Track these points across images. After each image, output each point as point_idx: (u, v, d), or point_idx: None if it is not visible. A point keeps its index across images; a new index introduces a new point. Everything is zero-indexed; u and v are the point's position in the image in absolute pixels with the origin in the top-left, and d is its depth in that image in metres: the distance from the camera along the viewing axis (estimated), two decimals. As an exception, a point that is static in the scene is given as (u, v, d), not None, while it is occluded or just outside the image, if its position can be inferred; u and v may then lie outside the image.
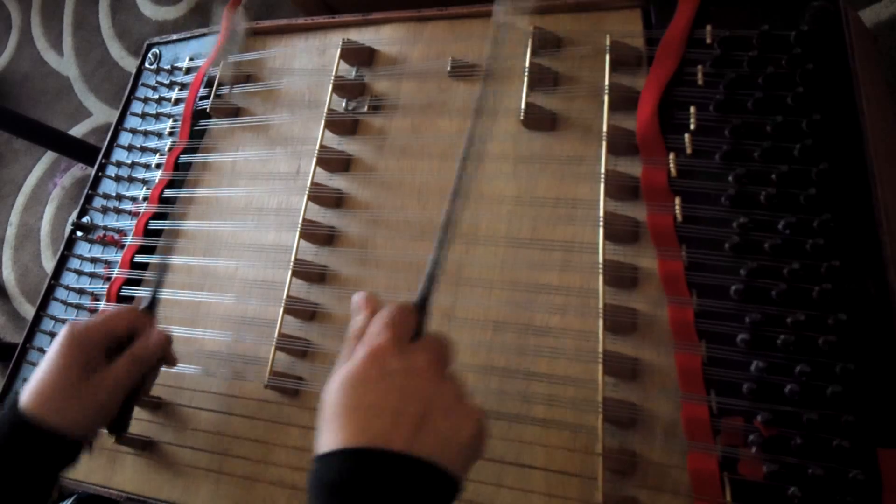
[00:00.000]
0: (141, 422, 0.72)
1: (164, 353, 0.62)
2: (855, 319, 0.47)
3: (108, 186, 0.88)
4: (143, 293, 0.78)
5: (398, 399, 0.40)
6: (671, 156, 0.56)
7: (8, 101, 1.89)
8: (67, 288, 0.84)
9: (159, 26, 1.68)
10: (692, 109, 0.56)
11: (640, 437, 0.52)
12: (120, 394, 0.58)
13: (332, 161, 0.71)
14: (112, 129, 0.91)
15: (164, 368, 0.65)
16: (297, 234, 0.68)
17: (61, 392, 0.54)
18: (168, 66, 0.90)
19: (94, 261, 0.84)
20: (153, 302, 0.63)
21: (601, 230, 0.56)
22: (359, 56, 0.74)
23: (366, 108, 0.73)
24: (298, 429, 0.64)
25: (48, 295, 0.86)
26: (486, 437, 0.42)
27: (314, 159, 0.70)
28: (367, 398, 0.40)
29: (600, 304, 0.54)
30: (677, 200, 0.55)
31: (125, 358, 0.58)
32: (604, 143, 0.58)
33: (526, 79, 0.63)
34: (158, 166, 0.84)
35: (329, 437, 0.40)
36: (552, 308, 0.58)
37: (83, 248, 0.86)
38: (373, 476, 0.37)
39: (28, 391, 0.54)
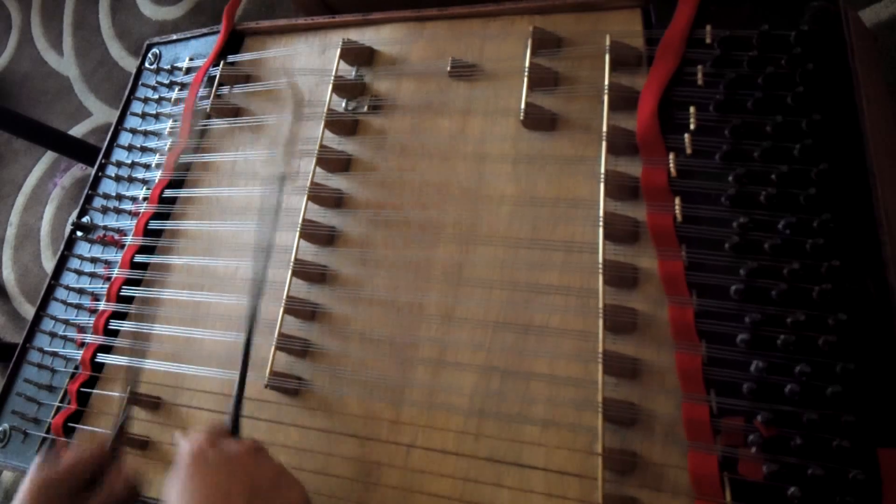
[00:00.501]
0: (141, 422, 0.72)
1: (133, 491, 0.59)
2: (855, 319, 0.47)
3: (108, 186, 0.88)
4: (141, 293, 0.78)
5: (225, 484, 0.45)
6: (671, 156, 0.56)
7: (8, 101, 1.89)
8: (67, 288, 0.84)
9: (159, 26, 1.68)
10: (692, 109, 0.56)
11: (640, 437, 0.52)
12: None
13: (331, 161, 0.71)
14: (112, 129, 0.91)
15: (163, 369, 0.65)
16: (297, 234, 0.68)
17: None
18: (168, 66, 0.90)
19: (94, 261, 0.84)
20: (118, 436, 0.62)
21: (601, 230, 0.56)
22: (359, 56, 0.74)
23: (366, 108, 0.73)
24: (298, 429, 0.64)
25: (48, 295, 0.86)
26: (309, 501, 0.48)
27: (314, 159, 0.70)
28: (195, 493, 0.45)
29: (600, 304, 0.54)
30: (677, 200, 0.55)
31: None
32: (604, 143, 0.58)
33: (526, 79, 0.63)
34: (158, 166, 0.84)
35: None
36: (552, 308, 0.58)
37: (83, 248, 0.86)
38: None
39: None
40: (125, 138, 0.89)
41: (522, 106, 0.62)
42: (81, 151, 1.52)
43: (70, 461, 0.57)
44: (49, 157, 1.76)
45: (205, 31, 0.89)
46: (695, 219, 0.54)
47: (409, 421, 0.60)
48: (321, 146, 0.70)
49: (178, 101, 0.86)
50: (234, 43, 0.86)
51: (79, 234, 0.87)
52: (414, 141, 0.69)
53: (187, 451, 0.48)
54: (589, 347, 0.54)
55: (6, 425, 0.81)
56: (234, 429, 0.55)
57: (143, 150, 0.87)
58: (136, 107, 0.91)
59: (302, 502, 0.48)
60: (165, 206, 0.81)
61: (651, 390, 0.53)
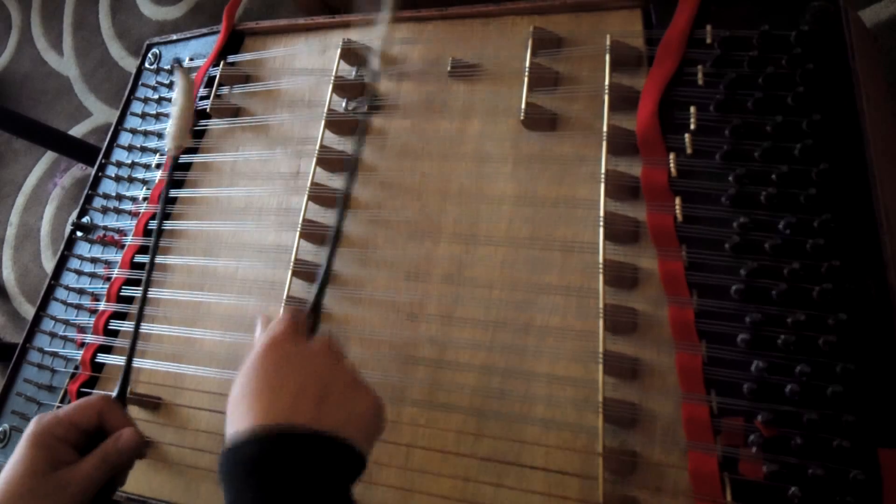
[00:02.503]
0: (141, 422, 0.72)
1: (137, 450, 0.56)
2: (855, 319, 0.47)
3: (108, 186, 0.88)
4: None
5: (298, 379, 0.43)
6: (671, 156, 0.56)
7: (8, 101, 1.89)
8: (67, 288, 0.84)
9: (159, 26, 1.68)
10: (692, 109, 0.56)
11: (640, 437, 0.52)
12: (91, 491, 0.53)
13: (332, 161, 0.71)
14: (112, 129, 0.91)
15: (163, 369, 0.65)
16: (297, 234, 0.68)
17: (30, 492, 0.51)
18: (168, 67, 0.90)
19: (94, 261, 0.84)
20: (124, 390, 0.59)
21: (601, 230, 0.56)
22: (359, 56, 0.74)
23: (366, 108, 0.73)
24: (298, 429, 0.64)
25: (48, 295, 0.86)
26: (384, 413, 0.46)
27: (314, 159, 0.70)
28: (268, 381, 0.43)
29: (600, 304, 0.54)
30: (677, 200, 0.55)
31: (95, 457, 0.54)
32: (604, 143, 0.58)
33: (526, 79, 0.63)
34: (158, 166, 0.84)
35: (235, 423, 0.42)
36: (552, 308, 0.58)
37: (83, 248, 0.86)
38: (281, 451, 0.40)
39: None
40: (125, 138, 0.89)
41: (522, 106, 0.62)
42: (81, 151, 1.52)
43: (72, 408, 0.55)
44: (49, 157, 1.76)
45: (205, 31, 0.89)
46: (695, 219, 0.54)
47: (409, 421, 0.60)
48: (321, 146, 0.70)
49: (178, 101, 0.86)
50: (234, 43, 0.86)
51: (79, 234, 0.87)
52: (414, 141, 0.69)
53: (264, 340, 0.46)
54: (589, 347, 0.54)
55: (6, 425, 0.81)
56: (314, 325, 0.52)
57: (143, 150, 0.87)
58: (136, 107, 0.90)
59: (372, 413, 0.45)
60: (166, 206, 0.80)
61: (651, 390, 0.53)
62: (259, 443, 0.40)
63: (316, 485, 0.39)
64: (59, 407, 0.78)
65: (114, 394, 0.59)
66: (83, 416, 0.55)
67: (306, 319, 0.50)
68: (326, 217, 0.70)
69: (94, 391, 0.77)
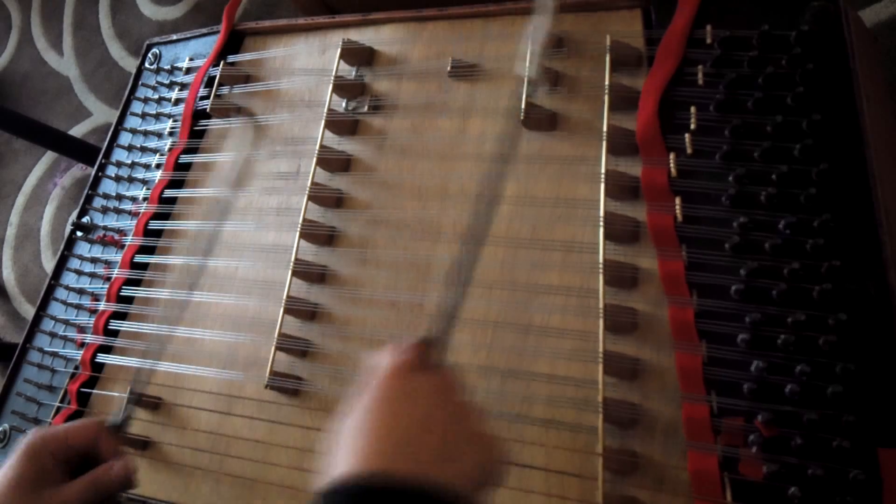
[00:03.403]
0: (141, 422, 0.72)
1: (127, 482, 0.54)
2: (855, 319, 0.47)
3: (108, 186, 0.88)
4: (141, 292, 0.78)
5: (425, 413, 0.38)
6: (671, 156, 0.56)
7: (8, 101, 1.89)
8: (67, 288, 0.84)
9: (159, 26, 1.68)
10: (692, 109, 0.56)
11: (640, 437, 0.52)
12: None
13: (332, 161, 0.71)
14: (112, 129, 0.91)
15: (163, 369, 0.65)
16: (297, 234, 0.68)
17: None
18: (168, 67, 0.90)
19: (94, 261, 0.84)
20: (124, 420, 0.57)
21: (601, 230, 0.56)
22: (359, 56, 0.74)
23: (366, 108, 0.73)
24: (298, 429, 0.64)
25: (48, 295, 0.86)
26: (504, 465, 0.41)
27: (314, 159, 0.70)
28: (383, 420, 0.38)
29: (600, 304, 0.54)
30: (677, 200, 0.55)
31: (84, 482, 0.52)
32: (604, 143, 0.58)
33: (526, 79, 0.63)
34: (158, 166, 0.84)
35: (342, 460, 0.37)
36: (552, 308, 0.58)
37: (83, 248, 0.86)
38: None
39: None
40: (125, 138, 0.89)
41: (522, 106, 0.62)
42: (81, 151, 1.52)
43: (67, 428, 0.54)
44: (49, 157, 1.76)
45: (205, 31, 0.89)
46: (695, 219, 0.54)
47: (410, 421, 0.60)
48: (321, 146, 0.70)
49: (178, 102, 0.86)
50: (233, 43, 0.86)
51: (79, 234, 0.87)
52: (414, 141, 0.69)
53: (388, 367, 0.41)
54: (589, 347, 0.54)
55: (6, 425, 0.81)
56: (439, 341, 0.46)
57: (143, 150, 0.87)
58: (136, 107, 0.90)
59: (491, 467, 0.39)
60: (165, 206, 0.81)
61: (651, 390, 0.53)
62: (364, 490, 0.35)
63: None
64: (58, 407, 0.78)
65: (113, 420, 0.57)
66: (80, 437, 0.54)
67: (433, 350, 0.44)
68: (326, 217, 0.70)
69: (93, 391, 0.77)
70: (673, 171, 0.56)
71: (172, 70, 0.89)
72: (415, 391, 0.40)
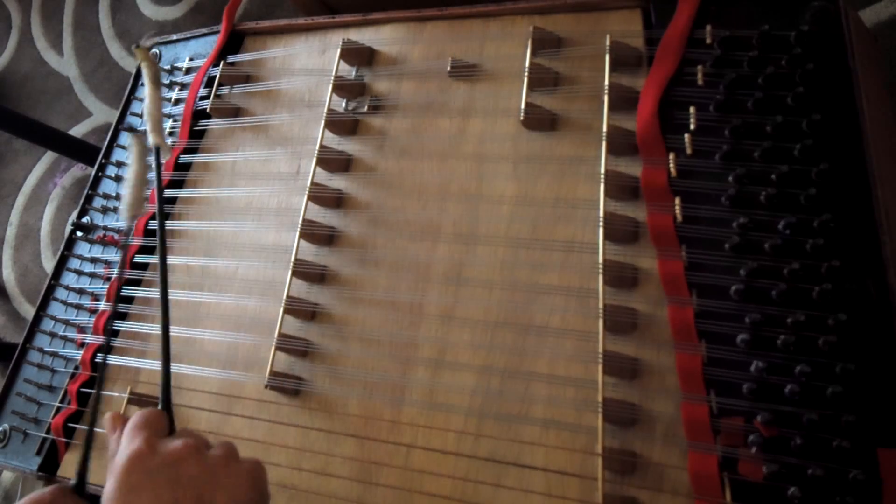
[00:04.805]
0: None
1: None
2: (855, 319, 0.47)
3: (108, 186, 0.88)
4: (141, 293, 0.78)
5: (170, 493, 0.41)
6: (671, 156, 0.56)
7: (8, 101, 1.88)
8: (67, 288, 0.84)
9: (159, 26, 1.68)
10: (692, 109, 0.56)
11: (640, 437, 0.52)
12: None
13: (332, 161, 0.71)
14: (112, 129, 0.91)
15: (159, 367, 0.65)
16: (297, 234, 0.68)
17: None
18: (168, 67, 0.90)
19: (94, 261, 0.84)
20: (82, 480, 0.53)
21: (601, 230, 0.56)
22: (359, 56, 0.74)
23: (366, 108, 0.73)
24: (298, 429, 0.64)
25: (48, 295, 0.86)
26: (265, 482, 0.44)
27: (314, 159, 0.70)
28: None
29: (600, 304, 0.54)
30: (677, 200, 0.55)
31: None
32: (604, 143, 0.58)
33: (526, 79, 0.63)
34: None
35: None
36: (552, 308, 0.58)
37: (83, 248, 0.86)
38: None
39: None
40: (125, 138, 0.89)
41: (522, 106, 0.62)
42: (81, 151, 1.51)
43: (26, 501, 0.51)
44: (49, 157, 1.76)
45: (205, 31, 0.89)
46: (695, 219, 0.54)
47: (409, 421, 0.60)
48: (321, 146, 0.70)
49: (177, 102, 0.86)
50: (233, 43, 0.86)
51: (79, 234, 0.87)
52: (414, 141, 0.69)
53: (124, 459, 0.43)
54: (589, 347, 0.54)
55: (6, 425, 0.81)
56: (170, 421, 0.49)
57: (143, 150, 0.87)
58: (136, 107, 0.90)
59: (252, 494, 0.43)
60: (165, 206, 0.80)
61: (651, 390, 0.53)
62: None
63: None
64: (58, 407, 0.78)
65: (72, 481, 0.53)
66: None
67: (161, 419, 0.48)
68: (326, 217, 0.70)
69: (93, 391, 0.77)
70: (673, 171, 0.56)
71: (172, 70, 0.89)
72: (156, 469, 0.42)
